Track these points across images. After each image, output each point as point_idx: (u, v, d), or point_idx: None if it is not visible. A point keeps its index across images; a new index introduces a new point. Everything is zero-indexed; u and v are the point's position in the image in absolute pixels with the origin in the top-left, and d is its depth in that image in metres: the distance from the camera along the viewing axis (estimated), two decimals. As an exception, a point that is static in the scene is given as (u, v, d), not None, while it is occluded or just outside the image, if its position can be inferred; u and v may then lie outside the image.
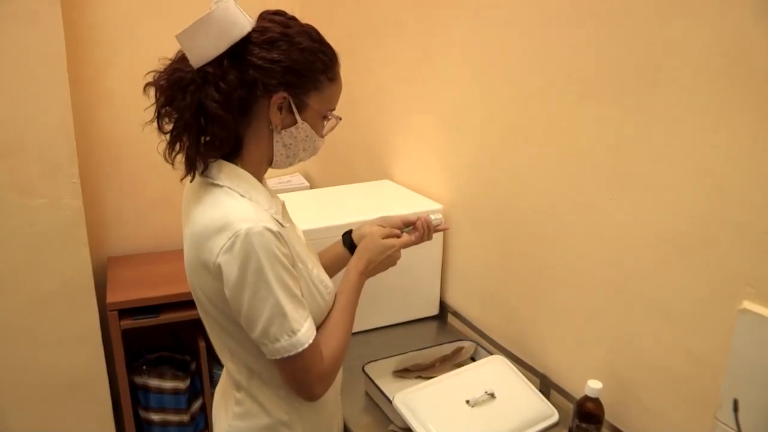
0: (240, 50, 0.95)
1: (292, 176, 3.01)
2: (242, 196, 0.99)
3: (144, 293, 2.34)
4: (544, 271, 1.49)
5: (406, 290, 1.84)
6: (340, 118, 1.08)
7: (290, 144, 1.04)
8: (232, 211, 0.95)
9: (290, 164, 1.08)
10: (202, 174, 1.01)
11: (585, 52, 1.27)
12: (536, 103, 1.44)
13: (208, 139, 0.98)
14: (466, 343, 1.67)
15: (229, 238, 0.92)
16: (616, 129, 1.23)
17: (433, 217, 1.33)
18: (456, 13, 1.71)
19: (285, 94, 0.99)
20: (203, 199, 0.99)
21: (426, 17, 1.87)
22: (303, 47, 0.98)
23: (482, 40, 1.62)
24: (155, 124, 0.99)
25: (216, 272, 0.95)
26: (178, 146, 0.99)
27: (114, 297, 2.30)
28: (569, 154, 1.36)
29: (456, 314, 1.86)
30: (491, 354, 1.59)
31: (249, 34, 0.96)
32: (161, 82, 0.98)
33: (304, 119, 1.02)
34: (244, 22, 0.95)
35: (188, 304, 2.36)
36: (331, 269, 1.29)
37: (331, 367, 1.04)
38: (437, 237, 1.85)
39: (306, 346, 0.97)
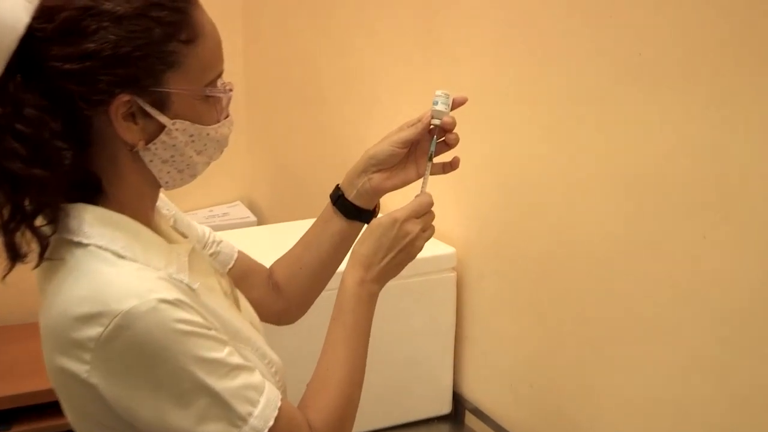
0: (28, 58, 0.92)
1: (231, 206, 3.02)
2: (120, 256, 0.97)
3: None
4: (607, 346, 1.48)
5: (404, 378, 1.83)
6: (231, 89, 1.06)
7: (171, 157, 1.03)
8: (106, 283, 0.94)
9: (192, 176, 1.08)
10: (49, 243, 0.98)
11: (663, 18, 1.28)
12: (592, 96, 1.45)
13: (32, 209, 0.96)
14: (493, 457, 1.65)
15: (105, 327, 0.90)
16: (705, 130, 1.23)
17: (439, 104, 1.21)
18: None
19: (127, 97, 0.96)
20: (61, 268, 0.97)
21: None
22: (120, 15, 0.95)
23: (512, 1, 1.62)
24: None
25: (91, 382, 0.93)
26: None
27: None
28: (641, 169, 1.36)
29: (477, 412, 1.85)
30: (531, 473, 1.57)
31: (30, 29, 0.92)
32: None
33: (174, 116, 1.01)
34: (14, 14, 0.91)
35: (58, 406, 2.40)
36: (338, 253, 1.30)
37: None
38: (448, 300, 1.84)
39: (270, 424, 0.97)
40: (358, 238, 1.20)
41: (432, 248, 1.78)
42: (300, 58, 2.64)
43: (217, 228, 1.43)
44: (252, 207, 3.05)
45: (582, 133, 1.48)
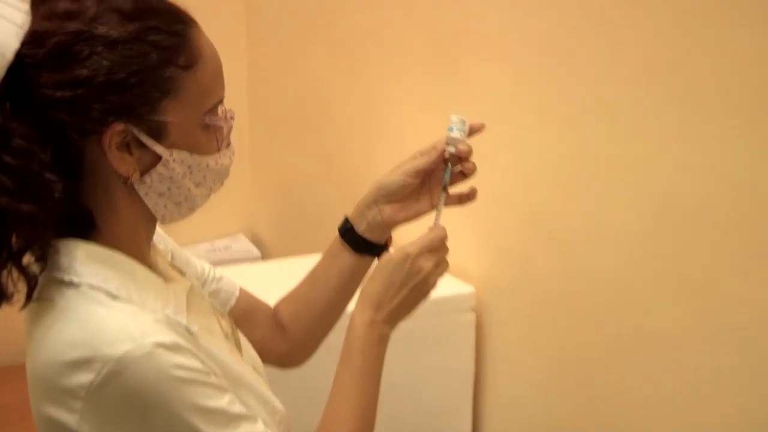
0: (17, 85, 0.93)
1: (233, 239, 3.02)
2: (113, 296, 0.96)
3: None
4: (636, 392, 1.47)
5: (419, 427, 1.84)
6: (232, 117, 1.06)
7: (168, 189, 1.03)
8: (98, 326, 0.93)
9: (191, 209, 1.07)
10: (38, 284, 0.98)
11: (696, 36, 1.28)
12: (621, 120, 1.46)
13: (19, 246, 0.96)
14: None
15: (98, 373, 0.89)
16: (744, 160, 1.23)
17: (455, 130, 1.19)
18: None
19: (121, 126, 0.96)
20: (50, 309, 0.97)
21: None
22: (115, 39, 0.94)
23: (534, 11, 1.62)
24: None
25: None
26: None
27: None
28: (674, 203, 1.36)
29: (498, 462, 1.80)
30: None
31: (20, 55, 0.92)
32: None
33: (171, 146, 1.00)
34: (3, 40, 0.91)
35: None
36: (347, 291, 1.30)
37: None
38: (466, 343, 1.84)
39: None
40: (374, 271, 1.17)
41: (449, 287, 1.82)
42: (307, 83, 2.66)
43: (218, 263, 1.43)
44: (255, 240, 3.06)
45: (610, 162, 1.48)
